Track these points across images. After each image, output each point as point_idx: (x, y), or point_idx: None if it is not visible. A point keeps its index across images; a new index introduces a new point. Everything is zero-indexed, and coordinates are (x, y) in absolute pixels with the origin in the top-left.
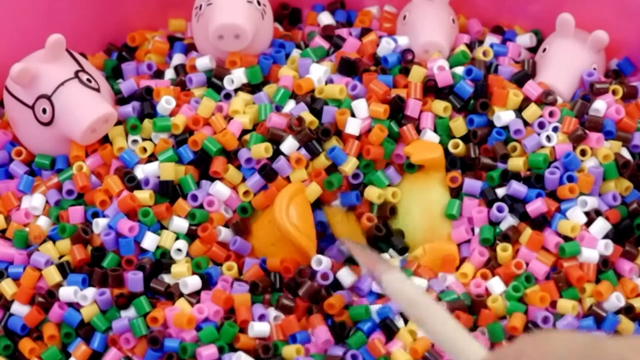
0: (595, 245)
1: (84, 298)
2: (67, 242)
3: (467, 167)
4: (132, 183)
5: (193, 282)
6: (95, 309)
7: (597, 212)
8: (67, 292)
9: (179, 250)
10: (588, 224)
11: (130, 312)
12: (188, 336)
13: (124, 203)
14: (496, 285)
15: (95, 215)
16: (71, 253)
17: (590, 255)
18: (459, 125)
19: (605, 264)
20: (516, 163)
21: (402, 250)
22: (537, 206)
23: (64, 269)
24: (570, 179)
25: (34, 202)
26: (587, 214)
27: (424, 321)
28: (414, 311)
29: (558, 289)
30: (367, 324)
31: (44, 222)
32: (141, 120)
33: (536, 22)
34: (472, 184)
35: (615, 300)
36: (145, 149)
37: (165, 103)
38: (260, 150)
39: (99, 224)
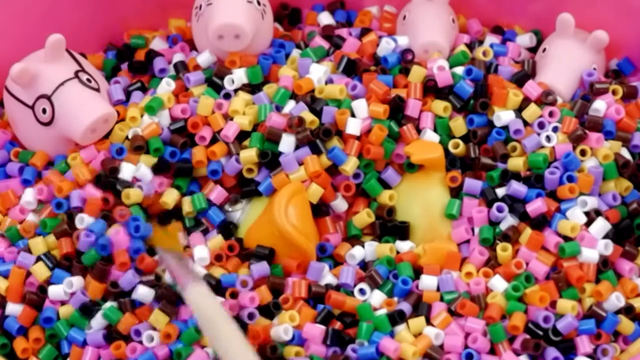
0: (595, 245)
1: (70, 284)
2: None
3: (467, 167)
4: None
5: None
6: (70, 310)
7: (597, 212)
8: (56, 290)
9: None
10: (588, 224)
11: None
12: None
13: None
14: (498, 283)
15: (60, 205)
16: (59, 246)
17: (590, 255)
18: (459, 125)
19: (605, 264)
20: (516, 163)
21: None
22: (537, 206)
23: (51, 263)
24: (570, 179)
25: (27, 196)
26: (587, 214)
27: (216, 342)
28: (209, 329)
29: (558, 289)
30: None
31: (33, 218)
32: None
33: (536, 22)
34: (472, 184)
35: (615, 300)
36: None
37: (166, 84)
38: (252, 155)
39: (84, 220)
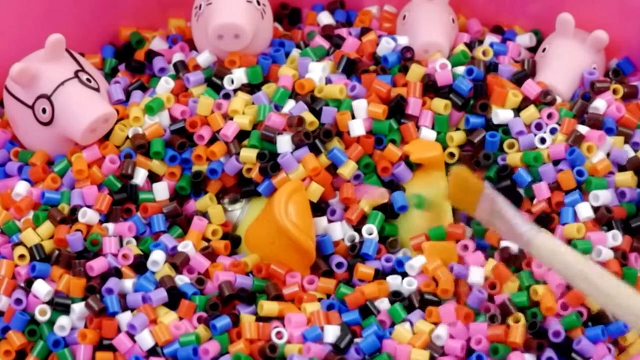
0: (605, 240)
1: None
2: (48, 228)
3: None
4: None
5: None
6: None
7: (608, 210)
8: (40, 286)
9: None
10: (597, 221)
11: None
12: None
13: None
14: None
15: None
16: (55, 233)
17: (604, 253)
18: (459, 135)
19: (624, 257)
20: (514, 158)
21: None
22: (540, 207)
23: (40, 255)
24: (580, 174)
25: (18, 189)
26: (596, 211)
27: (587, 281)
28: (573, 272)
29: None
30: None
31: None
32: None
33: (536, 22)
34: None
35: None
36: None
37: (165, 83)
38: (251, 155)
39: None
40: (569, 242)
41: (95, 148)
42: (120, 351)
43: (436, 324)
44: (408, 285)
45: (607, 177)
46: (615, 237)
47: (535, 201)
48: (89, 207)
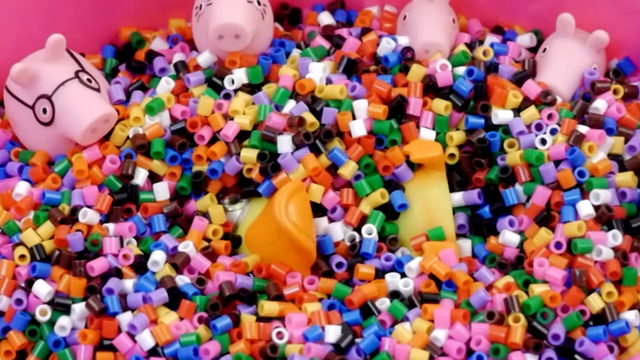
0: (605, 239)
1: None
2: (48, 228)
3: (464, 173)
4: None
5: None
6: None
7: (608, 208)
8: (40, 286)
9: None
10: (597, 220)
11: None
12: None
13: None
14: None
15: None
16: (55, 232)
17: (604, 252)
18: (458, 134)
19: (624, 256)
20: (514, 157)
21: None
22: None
23: (40, 255)
24: (582, 175)
25: (19, 189)
26: (596, 209)
27: None
28: None
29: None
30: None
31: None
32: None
33: (536, 22)
34: (471, 195)
35: (633, 316)
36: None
37: (165, 83)
38: (252, 155)
39: (87, 214)
40: (570, 240)
41: (96, 148)
42: (120, 351)
43: (433, 321)
44: (404, 287)
45: (607, 177)
46: (616, 237)
47: (529, 205)
48: (89, 207)
